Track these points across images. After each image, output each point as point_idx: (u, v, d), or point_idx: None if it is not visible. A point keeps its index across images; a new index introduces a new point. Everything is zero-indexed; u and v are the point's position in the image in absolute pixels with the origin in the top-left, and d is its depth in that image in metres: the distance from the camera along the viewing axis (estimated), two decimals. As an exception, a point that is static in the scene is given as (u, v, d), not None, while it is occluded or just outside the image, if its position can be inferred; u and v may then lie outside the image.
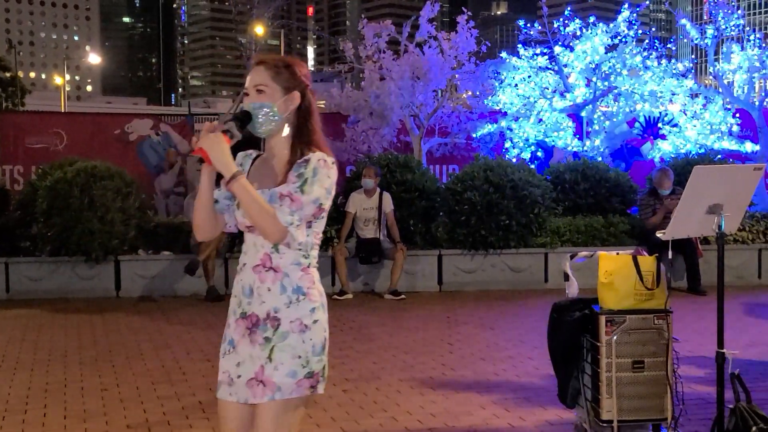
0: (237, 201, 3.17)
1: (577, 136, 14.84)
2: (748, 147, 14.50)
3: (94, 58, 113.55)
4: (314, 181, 3.10)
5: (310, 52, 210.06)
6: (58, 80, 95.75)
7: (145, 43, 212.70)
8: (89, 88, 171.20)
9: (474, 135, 14.84)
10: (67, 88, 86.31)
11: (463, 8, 14.51)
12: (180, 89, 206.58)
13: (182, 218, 12.10)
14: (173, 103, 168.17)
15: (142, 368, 7.43)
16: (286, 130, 3.26)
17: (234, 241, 11.69)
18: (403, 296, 11.05)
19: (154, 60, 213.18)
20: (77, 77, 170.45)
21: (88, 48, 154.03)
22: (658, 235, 4.43)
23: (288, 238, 3.10)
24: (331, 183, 3.17)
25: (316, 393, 3.20)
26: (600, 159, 14.07)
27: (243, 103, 3.21)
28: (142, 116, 17.29)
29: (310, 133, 3.26)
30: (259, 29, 24.08)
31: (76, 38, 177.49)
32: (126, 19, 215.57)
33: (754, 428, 4.20)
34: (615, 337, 4.66)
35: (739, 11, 15.09)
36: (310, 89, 3.29)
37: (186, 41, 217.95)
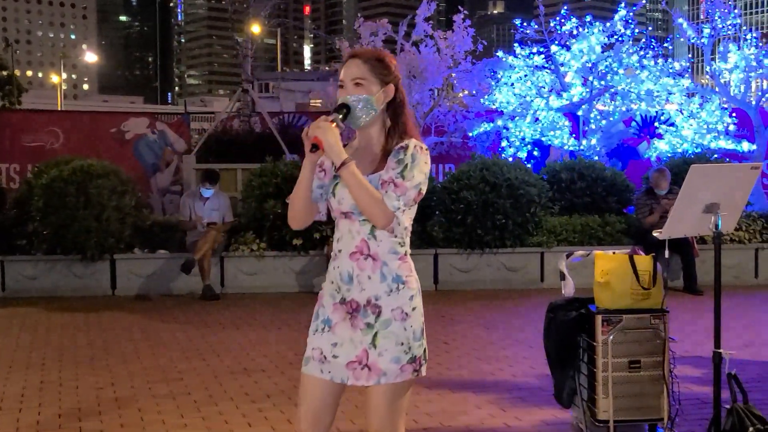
0: (332, 188, 3.28)
1: (574, 136, 14.83)
2: (745, 146, 14.50)
3: (91, 57, 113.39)
4: (413, 167, 3.19)
5: (307, 51, 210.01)
6: (54, 79, 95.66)
7: (141, 42, 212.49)
8: (86, 86, 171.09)
9: (470, 134, 14.84)
10: (64, 87, 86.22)
11: (459, 7, 14.48)
12: (177, 88, 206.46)
13: (178, 217, 12.07)
14: (170, 101, 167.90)
15: (138, 367, 7.40)
16: (379, 121, 3.35)
17: (230, 240, 11.68)
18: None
19: (150, 59, 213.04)
20: (74, 76, 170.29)
21: (84, 46, 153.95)
22: (655, 234, 4.42)
23: (394, 222, 3.19)
24: (428, 169, 3.28)
25: (420, 376, 3.30)
26: (596, 158, 14.07)
27: (339, 96, 3.31)
28: (139, 115, 17.30)
29: (404, 124, 3.34)
30: (256, 28, 24.11)
31: (72, 37, 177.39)
32: (123, 18, 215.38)
33: (750, 429, 4.18)
34: (611, 337, 4.65)
35: (736, 10, 15.10)
36: (401, 81, 3.40)
37: (183, 40, 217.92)
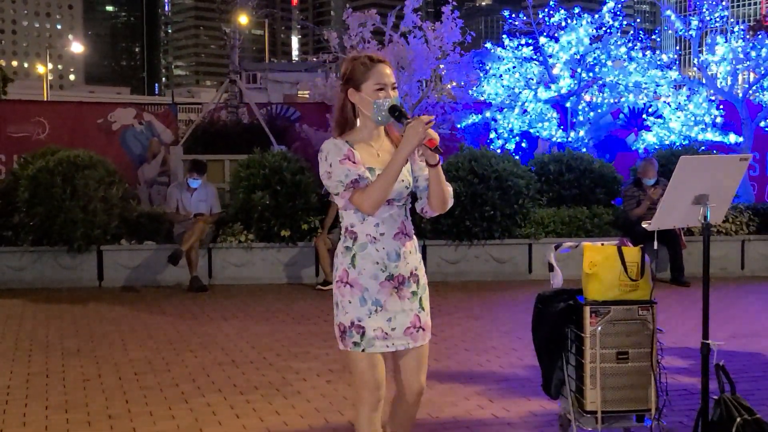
0: (377, 176, 3.67)
1: (562, 127, 14.84)
2: (732, 139, 14.53)
3: (77, 47, 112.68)
4: None
5: (295, 42, 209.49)
6: (40, 69, 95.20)
7: (128, 33, 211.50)
8: (72, 77, 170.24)
9: (459, 125, 14.83)
10: (50, 77, 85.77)
11: (447, -2, 14.46)
12: (164, 78, 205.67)
13: (165, 208, 12.03)
14: (157, 92, 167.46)
15: (125, 358, 7.39)
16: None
17: (217, 232, 11.65)
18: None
19: (137, 49, 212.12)
20: (60, 66, 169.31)
21: (71, 37, 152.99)
22: (644, 225, 4.41)
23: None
24: None
25: None
26: (584, 150, 14.08)
27: (387, 98, 3.72)
28: (125, 105, 17.21)
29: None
30: (243, 19, 23.98)
31: (58, 27, 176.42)
32: (109, 8, 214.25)
33: (738, 419, 4.19)
34: (599, 328, 4.65)
35: (724, 3, 15.09)
36: None
37: (170, 30, 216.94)
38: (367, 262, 3.70)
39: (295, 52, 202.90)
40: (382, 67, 3.75)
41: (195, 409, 5.85)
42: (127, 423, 5.56)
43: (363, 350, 3.69)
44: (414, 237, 3.86)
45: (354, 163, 3.65)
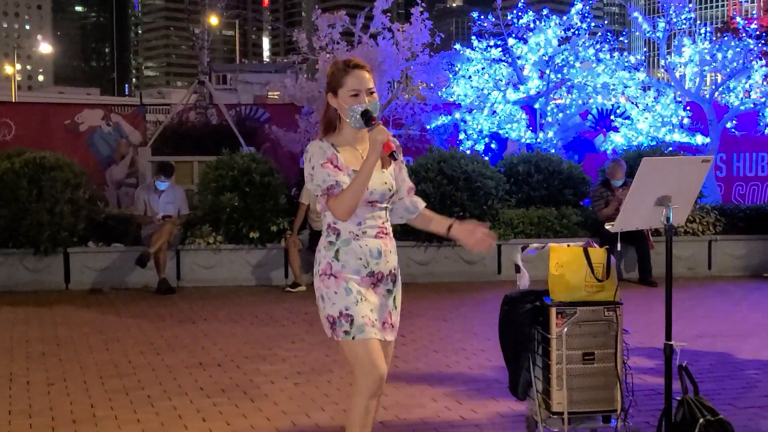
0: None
1: (531, 128, 14.89)
2: (699, 140, 14.65)
3: (46, 48, 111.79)
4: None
5: (266, 43, 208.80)
6: (8, 70, 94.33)
7: (98, 33, 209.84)
8: (41, 78, 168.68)
9: (428, 127, 14.83)
10: (18, 78, 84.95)
11: (417, 0, 14.46)
12: (134, 79, 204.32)
13: (132, 210, 11.94)
14: (127, 93, 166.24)
15: (91, 362, 7.32)
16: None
17: (185, 234, 11.58)
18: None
19: (107, 50, 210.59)
20: (29, 67, 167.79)
21: (39, 37, 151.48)
22: (607, 227, 4.43)
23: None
24: None
25: None
26: (553, 151, 14.14)
27: (361, 104, 3.79)
28: (93, 106, 17.09)
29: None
30: (213, 19, 23.86)
31: (27, 27, 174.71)
32: (78, 8, 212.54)
33: (701, 420, 4.21)
34: (566, 329, 4.66)
35: (690, 5, 15.22)
36: None
37: (140, 31, 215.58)
38: (351, 257, 3.82)
39: (266, 53, 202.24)
40: (358, 73, 3.82)
41: (161, 412, 5.80)
42: (91, 427, 5.50)
43: (353, 338, 3.76)
44: (393, 237, 3.98)
45: (336, 167, 3.76)
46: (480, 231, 3.94)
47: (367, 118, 3.73)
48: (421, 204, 4.14)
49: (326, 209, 3.82)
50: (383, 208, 3.90)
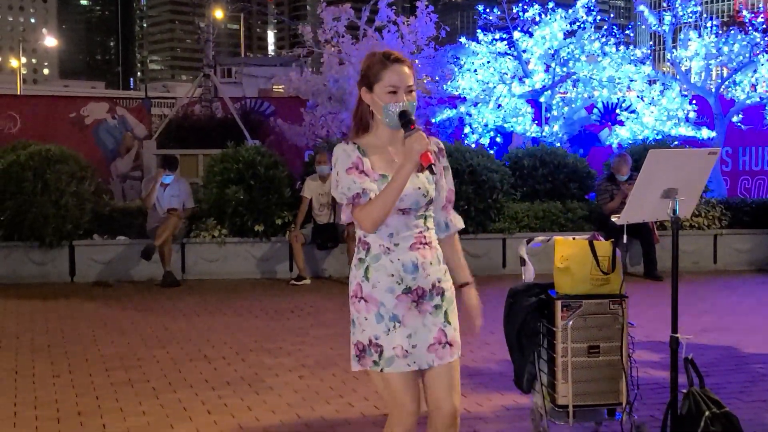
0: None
1: (536, 122, 14.87)
2: (705, 133, 14.62)
3: (51, 41, 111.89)
4: (449, 171, 3.69)
5: (271, 36, 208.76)
6: (14, 63, 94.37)
7: (103, 27, 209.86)
8: (46, 71, 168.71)
9: (433, 120, 14.83)
10: (24, 72, 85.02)
11: (422, -7, 14.44)
12: (139, 73, 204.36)
13: (138, 203, 11.94)
14: (132, 87, 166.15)
15: (96, 354, 7.33)
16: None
17: (190, 227, 11.59)
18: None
19: (112, 43, 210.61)
20: (34, 60, 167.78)
21: (44, 31, 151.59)
22: (613, 219, 4.42)
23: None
24: None
25: None
26: (558, 145, 14.12)
27: (400, 102, 3.38)
28: (98, 100, 17.11)
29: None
30: (219, 13, 23.95)
31: (32, 21, 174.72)
32: (83, 2, 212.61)
33: (707, 413, 4.20)
34: (571, 322, 4.65)
35: (696, -2, 15.17)
36: None
37: (145, 24, 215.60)
38: (382, 274, 3.40)
39: (271, 47, 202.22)
40: (398, 67, 3.40)
41: (166, 404, 5.81)
42: (96, 419, 5.51)
43: (381, 370, 3.39)
44: (437, 247, 3.53)
45: (361, 172, 3.36)
46: (475, 322, 3.72)
47: (405, 120, 3.33)
48: (456, 226, 3.69)
49: (351, 219, 3.43)
50: (419, 216, 3.45)
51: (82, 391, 6.16)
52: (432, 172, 3.33)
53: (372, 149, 3.44)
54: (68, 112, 15.99)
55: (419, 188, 3.40)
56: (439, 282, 3.48)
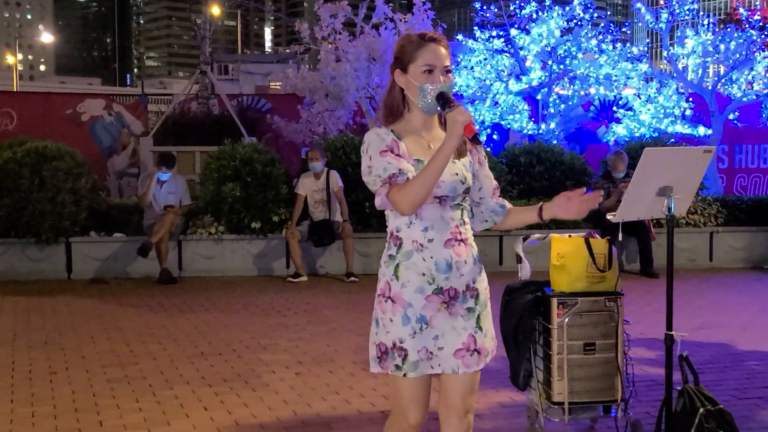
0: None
1: (533, 119, 14.89)
2: (701, 131, 14.65)
3: (48, 37, 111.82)
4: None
5: (268, 33, 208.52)
6: (10, 59, 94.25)
7: (99, 23, 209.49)
8: (42, 67, 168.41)
9: (430, 117, 14.81)
10: (20, 68, 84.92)
11: (419, -10, 14.45)
12: (135, 69, 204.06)
13: (135, 200, 11.94)
14: (129, 83, 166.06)
15: (92, 351, 7.33)
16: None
17: (187, 224, 11.59)
18: (355, 278, 11.02)
19: (109, 40, 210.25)
20: (30, 56, 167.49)
21: (41, 27, 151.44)
22: (609, 217, 4.43)
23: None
24: None
25: None
26: (555, 142, 14.14)
27: (437, 82, 3.22)
28: (95, 96, 17.10)
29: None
30: (215, 9, 23.96)
31: (29, 17, 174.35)
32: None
33: (701, 410, 4.22)
34: (566, 320, 4.67)
35: (693, -5, 15.20)
36: None
37: (141, 21, 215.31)
38: (412, 272, 3.21)
39: (268, 44, 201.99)
40: (434, 47, 3.23)
41: (162, 401, 5.81)
42: (93, 416, 5.51)
43: (405, 375, 3.22)
44: (473, 245, 3.33)
45: (397, 155, 3.17)
46: (576, 198, 3.37)
47: (444, 100, 3.15)
48: (508, 203, 3.54)
49: (387, 205, 3.18)
50: (455, 206, 3.26)
51: (78, 388, 6.17)
52: (477, 142, 3.15)
53: (406, 135, 3.25)
54: (65, 109, 15.98)
55: (457, 174, 3.23)
56: (473, 283, 3.30)
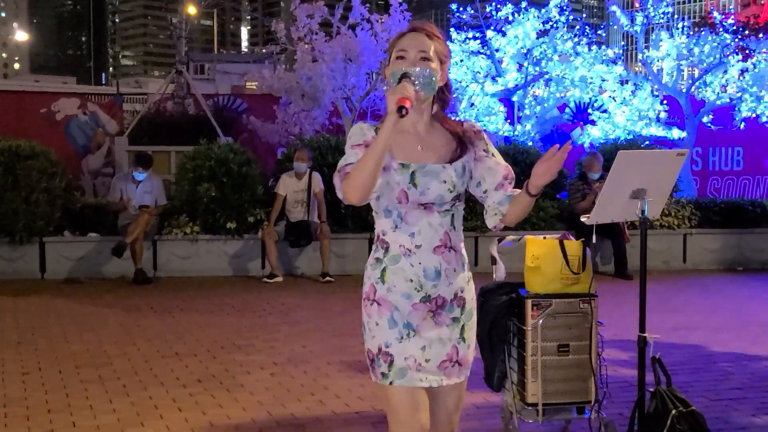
0: (411, 178, 3.04)
1: (509, 121, 14.94)
2: (675, 133, 14.75)
3: (22, 36, 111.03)
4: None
5: (244, 32, 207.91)
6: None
7: (74, 21, 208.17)
8: (17, 65, 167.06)
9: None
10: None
11: (396, -9, 14.46)
12: (111, 68, 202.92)
13: (108, 197, 11.88)
14: (104, 82, 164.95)
15: (66, 351, 7.29)
16: (428, 103, 3.16)
17: (162, 224, 11.54)
18: (331, 279, 11.01)
19: (84, 38, 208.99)
20: (4, 54, 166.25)
21: (15, 25, 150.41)
22: (583, 219, 4.46)
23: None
24: None
25: None
26: (531, 144, 14.18)
27: (400, 67, 3.04)
28: (69, 95, 16.97)
29: (448, 107, 3.27)
30: (191, 9, 23.80)
31: (3, 15, 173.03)
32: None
33: (673, 411, 4.25)
34: (541, 321, 4.68)
35: (668, -1, 15.31)
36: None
37: (117, 20, 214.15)
38: (399, 278, 3.08)
39: (244, 43, 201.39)
40: (413, 35, 3.10)
41: (136, 402, 5.79)
42: (66, 417, 5.48)
43: (391, 383, 3.07)
44: (463, 253, 3.22)
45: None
46: (549, 159, 3.11)
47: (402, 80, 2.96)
48: (516, 191, 3.27)
49: (341, 195, 3.04)
50: (444, 212, 3.12)
51: (51, 388, 6.13)
52: (401, 115, 2.83)
53: (394, 134, 3.00)
54: (39, 108, 15.85)
55: (444, 182, 3.07)
56: (461, 292, 3.17)
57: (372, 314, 3.12)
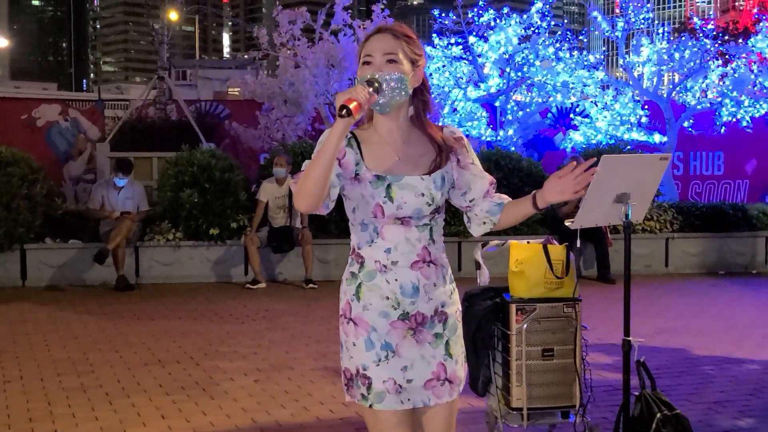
0: (387, 192, 2.88)
1: (491, 126, 14.96)
2: (657, 138, 14.82)
3: (2, 42, 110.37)
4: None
5: (226, 38, 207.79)
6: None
7: (55, 27, 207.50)
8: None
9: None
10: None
11: (378, -4, 14.49)
12: (92, 74, 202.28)
13: (88, 204, 11.82)
14: (85, 88, 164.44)
15: (48, 359, 7.24)
16: (404, 108, 2.98)
17: (144, 230, 11.49)
18: (314, 285, 10.98)
19: (65, 44, 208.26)
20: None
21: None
22: (567, 224, 4.46)
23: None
24: None
25: None
26: (513, 149, 14.21)
27: (368, 73, 2.85)
28: (50, 101, 16.89)
29: (429, 110, 3.05)
30: (173, 15, 23.75)
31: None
32: (35, 2, 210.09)
33: (658, 415, 4.26)
34: (525, 326, 4.68)
35: (648, 5, 15.41)
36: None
37: (98, 26, 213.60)
38: (375, 295, 2.92)
39: (226, 49, 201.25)
40: (378, 37, 2.89)
41: (119, 410, 5.75)
42: (48, 425, 5.44)
43: (371, 405, 2.92)
44: (445, 265, 3.05)
45: (338, 160, 2.85)
46: (567, 176, 3.00)
47: (373, 90, 2.78)
48: (506, 197, 3.17)
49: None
50: (423, 227, 2.95)
51: (33, 397, 6.09)
52: (341, 115, 2.65)
53: (369, 145, 2.94)
54: (19, 114, 15.75)
55: (422, 195, 2.91)
56: (443, 307, 2.99)
57: (349, 333, 2.97)
